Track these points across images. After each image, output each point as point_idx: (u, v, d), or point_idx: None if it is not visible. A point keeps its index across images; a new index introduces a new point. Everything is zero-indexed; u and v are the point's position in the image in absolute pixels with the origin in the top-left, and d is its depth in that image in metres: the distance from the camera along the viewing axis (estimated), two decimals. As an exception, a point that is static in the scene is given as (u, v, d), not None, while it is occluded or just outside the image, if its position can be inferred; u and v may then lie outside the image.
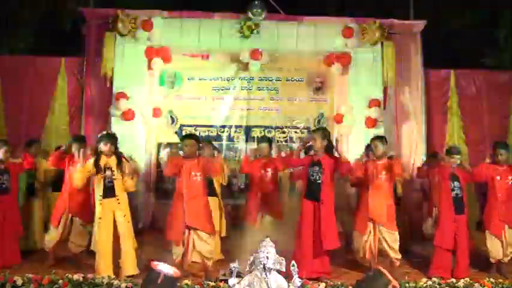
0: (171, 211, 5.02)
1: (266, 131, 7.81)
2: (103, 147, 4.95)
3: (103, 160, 4.94)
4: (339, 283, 4.65)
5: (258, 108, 7.84)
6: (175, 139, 7.46)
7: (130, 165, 5.16)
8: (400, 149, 7.48)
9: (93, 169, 4.89)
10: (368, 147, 5.52)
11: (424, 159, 7.26)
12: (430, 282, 4.69)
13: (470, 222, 6.40)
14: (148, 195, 7.40)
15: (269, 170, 5.84)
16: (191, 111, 7.76)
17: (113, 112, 7.20)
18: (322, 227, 4.96)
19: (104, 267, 4.83)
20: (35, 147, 6.14)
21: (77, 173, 4.95)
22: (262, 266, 3.09)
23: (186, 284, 4.47)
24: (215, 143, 6.87)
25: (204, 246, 4.88)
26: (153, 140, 7.59)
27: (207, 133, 7.69)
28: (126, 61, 7.36)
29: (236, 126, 7.80)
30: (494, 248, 5.32)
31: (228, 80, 7.78)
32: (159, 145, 7.51)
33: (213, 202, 5.43)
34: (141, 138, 7.44)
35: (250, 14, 7.32)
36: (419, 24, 7.77)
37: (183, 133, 7.33)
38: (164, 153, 6.89)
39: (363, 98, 7.47)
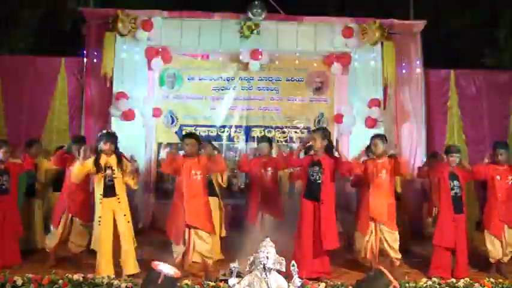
0: (171, 210, 5.03)
1: (266, 131, 7.81)
2: (103, 146, 4.95)
3: (103, 159, 4.94)
4: (339, 283, 4.65)
5: (258, 108, 7.84)
6: (175, 139, 7.46)
7: (132, 165, 5.17)
8: (400, 149, 7.48)
9: (93, 168, 4.89)
10: (368, 147, 5.51)
11: (424, 159, 7.27)
12: (430, 282, 4.69)
13: (470, 222, 6.41)
14: (148, 195, 7.41)
15: (269, 169, 5.85)
16: (191, 111, 7.77)
17: (113, 112, 7.20)
18: (322, 227, 4.96)
19: (104, 267, 4.84)
20: (35, 147, 6.14)
21: (76, 168, 4.93)
22: (262, 266, 3.10)
23: (186, 284, 4.47)
24: (215, 143, 6.87)
25: (204, 246, 4.89)
26: (153, 140, 7.60)
27: (207, 133, 7.69)
28: (126, 61, 7.36)
29: (236, 126, 7.80)
30: (494, 248, 5.33)
31: (228, 80, 7.79)
32: (159, 145, 7.50)
33: (213, 202, 5.44)
34: (141, 138, 7.45)
35: (250, 14, 7.32)
36: (419, 24, 7.77)
37: (183, 133, 7.32)
38: (164, 153, 6.88)
39: (363, 98, 7.47)
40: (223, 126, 7.79)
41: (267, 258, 3.10)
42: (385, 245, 5.09)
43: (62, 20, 9.17)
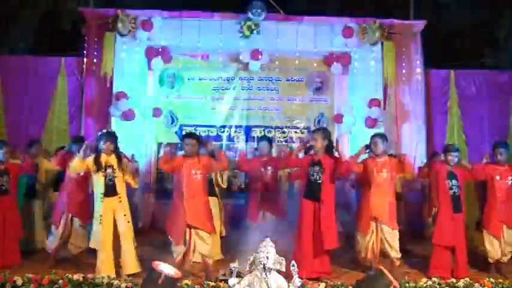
0: (171, 210, 5.03)
1: (266, 131, 7.82)
2: (103, 145, 4.95)
3: (103, 158, 4.94)
4: (339, 283, 4.65)
5: (258, 108, 7.85)
6: (175, 139, 7.46)
7: (134, 165, 5.18)
8: (400, 149, 7.48)
9: (93, 166, 4.89)
10: (368, 145, 5.48)
11: (425, 159, 7.27)
12: (430, 282, 4.69)
13: (470, 222, 6.41)
14: (148, 195, 7.41)
15: (269, 168, 5.85)
16: (191, 111, 7.77)
17: (113, 112, 7.20)
18: (322, 227, 4.96)
19: (105, 266, 4.84)
20: (35, 147, 6.14)
21: (75, 163, 4.90)
22: (262, 266, 3.10)
23: (186, 284, 4.47)
24: (215, 143, 6.87)
25: (204, 246, 4.89)
26: (153, 140, 7.60)
27: (207, 133, 7.69)
28: (126, 61, 7.37)
29: (236, 126, 7.81)
30: (493, 248, 5.33)
31: (228, 80, 7.79)
32: (159, 145, 7.50)
33: (213, 202, 5.44)
34: (141, 138, 7.45)
35: (250, 14, 7.32)
36: (419, 24, 7.77)
37: (183, 133, 7.32)
38: (163, 150, 6.88)
39: (363, 98, 7.47)
40: (223, 126, 7.79)
41: (267, 258, 3.10)
42: (386, 245, 5.09)
43: (62, 20, 9.16)
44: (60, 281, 4.50)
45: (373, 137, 5.34)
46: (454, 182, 5.18)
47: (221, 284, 4.51)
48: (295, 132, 7.85)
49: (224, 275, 4.74)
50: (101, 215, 4.87)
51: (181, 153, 5.18)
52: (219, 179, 5.84)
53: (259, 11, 7.29)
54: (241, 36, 7.44)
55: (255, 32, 7.43)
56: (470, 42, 8.97)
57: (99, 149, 4.96)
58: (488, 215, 5.40)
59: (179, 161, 4.98)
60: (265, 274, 3.10)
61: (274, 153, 6.24)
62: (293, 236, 5.11)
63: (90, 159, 4.90)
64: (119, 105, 7.15)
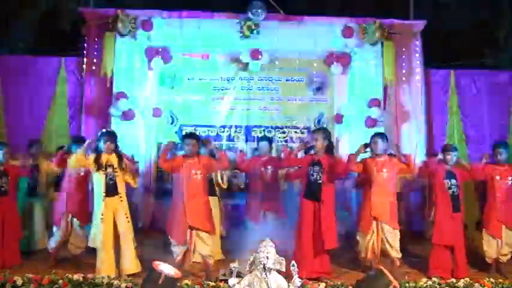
0: (172, 210, 5.03)
1: (266, 131, 7.81)
2: (103, 145, 4.96)
3: (104, 158, 4.95)
4: (339, 283, 4.65)
5: (258, 108, 7.85)
6: (175, 139, 7.45)
7: (135, 165, 5.19)
8: (400, 149, 7.46)
9: (93, 165, 4.89)
10: (368, 145, 5.47)
11: (425, 159, 7.26)
12: (430, 282, 4.69)
13: (470, 222, 6.42)
14: (148, 195, 7.40)
15: (269, 167, 5.86)
16: (191, 111, 7.77)
17: (113, 112, 7.20)
18: (322, 227, 4.96)
19: (105, 266, 4.84)
20: (36, 147, 6.14)
21: (75, 157, 4.89)
22: (262, 266, 3.10)
23: (186, 284, 4.47)
24: (215, 143, 6.86)
25: (204, 246, 4.90)
26: (153, 140, 7.60)
27: (207, 133, 7.69)
28: (126, 61, 7.35)
29: (236, 126, 7.81)
30: (491, 248, 5.33)
31: (228, 80, 7.79)
32: (159, 145, 7.50)
33: (213, 202, 5.44)
34: (141, 138, 7.45)
35: (250, 14, 7.31)
36: (419, 24, 7.77)
37: (183, 133, 7.32)
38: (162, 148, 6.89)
39: (363, 98, 7.46)
40: (223, 126, 7.79)
41: (267, 258, 3.11)
42: (386, 245, 5.08)
43: (62, 20, 9.16)
44: (60, 281, 4.51)
45: (373, 136, 5.33)
46: (452, 181, 5.18)
47: (221, 284, 4.51)
48: (295, 132, 7.85)
49: (224, 275, 4.74)
50: (102, 214, 4.87)
51: (181, 153, 5.18)
52: (219, 179, 5.84)
53: (259, 11, 7.28)
54: (241, 36, 7.43)
55: (255, 32, 7.41)
56: (470, 42, 8.98)
57: (99, 148, 4.96)
58: (488, 215, 5.40)
59: (179, 161, 4.99)
60: (265, 274, 3.10)
61: (274, 153, 6.24)
62: (293, 236, 5.12)
63: (91, 158, 4.90)
64: (119, 105, 7.15)
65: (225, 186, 5.96)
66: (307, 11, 7.81)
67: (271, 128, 7.83)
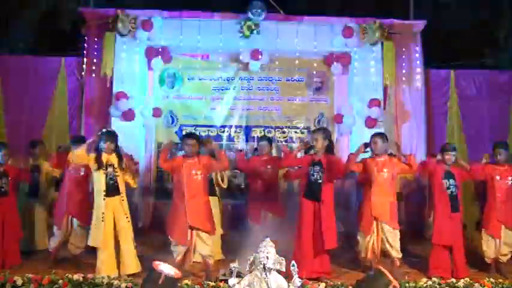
0: (172, 210, 5.03)
1: (266, 131, 7.81)
2: (103, 144, 4.96)
3: (104, 157, 4.95)
4: (339, 283, 4.66)
5: (258, 108, 7.85)
6: (175, 139, 7.46)
7: (135, 166, 5.19)
8: (400, 149, 7.47)
9: (94, 164, 4.89)
10: (368, 144, 5.47)
11: (425, 159, 7.26)
12: (430, 282, 4.70)
13: (470, 222, 6.42)
14: (148, 195, 7.40)
15: (269, 167, 5.87)
16: (191, 111, 7.77)
17: (113, 112, 7.20)
18: (322, 227, 4.96)
19: (106, 266, 4.85)
20: (39, 148, 6.15)
21: (78, 152, 4.88)
22: (262, 266, 3.10)
23: (186, 284, 4.47)
24: (215, 143, 6.86)
25: (204, 246, 4.90)
26: (153, 140, 7.60)
27: (207, 133, 7.69)
28: (126, 61, 7.35)
29: (236, 126, 7.81)
30: (490, 248, 5.34)
31: (228, 80, 7.79)
32: (159, 145, 7.50)
33: (213, 202, 5.44)
34: (141, 138, 7.45)
35: (250, 14, 7.31)
36: (419, 24, 7.77)
37: (183, 133, 7.33)
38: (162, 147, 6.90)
39: (363, 98, 7.46)
40: (223, 126, 7.79)
41: (267, 258, 3.11)
42: (387, 244, 5.08)
43: (62, 20, 9.16)
44: (60, 281, 4.51)
45: (373, 136, 5.33)
46: (451, 181, 5.17)
47: (221, 284, 4.51)
48: (295, 132, 7.85)
49: (224, 275, 4.74)
50: (103, 213, 4.87)
51: (181, 153, 5.18)
52: (219, 179, 5.84)
53: (259, 11, 7.28)
54: (241, 36, 7.43)
55: (255, 32, 7.42)
56: (470, 42, 8.98)
57: (99, 148, 4.96)
58: (488, 215, 5.40)
59: (179, 161, 4.99)
60: (265, 274, 3.10)
61: (274, 153, 6.24)
62: (293, 236, 5.12)
63: (92, 156, 4.90)
64: (119, 105, 7.15)
65: (225, 186, 5.96)
66: (307, 11, 7.81)
67: (271, 128, 7.83)
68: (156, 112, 7.52)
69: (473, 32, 9.04)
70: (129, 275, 4.84)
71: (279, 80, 7.86)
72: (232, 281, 3.16)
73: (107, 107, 7.29)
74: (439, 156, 5.35)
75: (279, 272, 3.17)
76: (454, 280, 4.76)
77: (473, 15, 9.19)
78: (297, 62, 7.81)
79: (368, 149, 5.33)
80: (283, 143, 7.69)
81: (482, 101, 7.97)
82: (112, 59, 7.28)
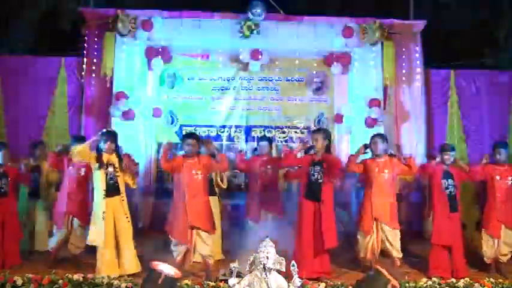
0: (173, 210, 5.03)
1: (266, 131, 7.82)
2: (104, 144, 4.96)
3: (105, 157, 4.95)
4: (339, 283, 4.66)
5: (258, 108, 7.85)
6: (175, 139, 7.46)
7: (135, 167, 5.19)
8: (401, 149, 7.47)
9: (95, 163, 4.89)
10: (367, 146, 5.48)
11: (425, 159, 7.26)
12: (430, 282, 4.70)
13: (470, 222, 6.42)
14: (148, 195, 7.40)
15: (269, 167, 5.87)
16: (191, 111, 7.77)
17: (113, 112, 7.20)
18: (323, 227, 4.96)
19: (106, 266, 4.85)
20: (39, 148, 6.16)
21: (80, 148, 4.88)
22: (262, 266, 3.10)
23: (186, 284, 4.48)
24: (215, 143, 6.86)
25: (204, 246, 4.91)
26: (153, 140, 7.60)
27: (207, 133, 7.69)
28: (126, 61, 7.36)
29: (236, 126, 7.81)
30: (490, 248, 5.33)
31: (228, 80, 7.79)
32: (159, 145, 7.50)
33: (213, 201, 5.45)
34: (141, 138, 7.45)
35: (250, 14, 7.31)
36: (419, 24, 7.77)
37: (183, 133, 7.33)
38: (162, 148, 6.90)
39: (363, 98, 7.46)
40: (223, 126, 7.79)
41: (267, 258, 3.11)
42: (387, 244, 5.09)
43: (62, 20, 9.16)
44: (60, 281, 4.52)
45: (373, 137, 5.34)
46: (450, 181, 5.18)
47: (221, 284, 4.51)
48: (295, 132, 7.85)
49: (224, 275, 4.74)
50: (103, 212, 4.87)
51: (181, 153, 5.18)
52: (219, 180, 5.84)
53: (259, 11, 7.27)
54: (241, 36, 7.43)
55: (255, 32, 7.41)
56: (470, 42, 8.98)
57: (100, 148, 4.96)
58: (488, 215, 5.40)
59: (179, 161, 4.99)
60: (265, 274, 3.10)
61: (274, 153, 6.24)
62: (293, 236, 5.12)
63: (93, 155, 4.90)
64: (119, 105, 7.15)
65: (224, 186, 5.96)
66: (307, 11, 7.81)
67: (271, 128, 7.84)
68: (156, 112, 7.52)
69: (473, 32, 9.04)
70: (129, 275, 4.84)
71: (279, 80, 7.86)
72: (232, 281, 3.16)
73: (107, 107, 7.29)
74: (438, 159, 5.34)
75: (279, 272, 3.17)
76: (454, 280, 4.76)
77: (473, 15, 9.19)
78: (297, 62, 7.81)
79: (368, 150, 5.33)
80: (283, 143, 7.70)
81: (482, 101, 7.97)
82: (112, 59, 7.28)
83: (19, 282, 4.53)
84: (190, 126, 7.70)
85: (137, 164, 5.49)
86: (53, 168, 5.81)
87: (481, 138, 7.85)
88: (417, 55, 7.76)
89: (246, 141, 7.79)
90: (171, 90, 7.73)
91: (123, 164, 5.06)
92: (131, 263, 4.97)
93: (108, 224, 4.89)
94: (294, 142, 7.69)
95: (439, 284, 4.69)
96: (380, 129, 7.25)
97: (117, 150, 5.10)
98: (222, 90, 7.79)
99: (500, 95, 7.98)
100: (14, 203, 5.49)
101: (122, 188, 5.03)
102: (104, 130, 5.18)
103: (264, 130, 7.82)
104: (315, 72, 7.85)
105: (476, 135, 7.89)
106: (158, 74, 7.66)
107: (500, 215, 5.31)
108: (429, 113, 7.90)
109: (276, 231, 4.95)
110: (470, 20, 9.18)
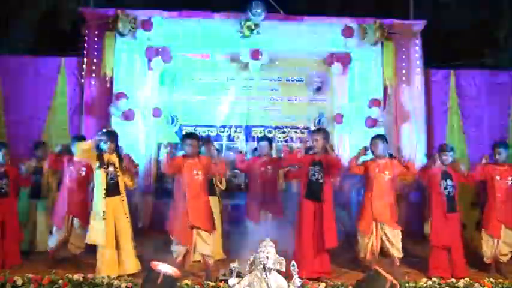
0: (173, 210, 5.03)
1: (266, 131, 7.82)
2: (103, 145, 4.96)
3: (106, 156, 4.96)
4: (339, 283, 4.66)
5: (258, 108, 7.85)
6: (175, 139, 7.46)
7: (135, 168, 5.19)
8: (401, 149, 7.46)
9: (96, 162, 4.89)
10: (367, 148, 5.48)
11: (425, 159, 7.26)
12: (430, 282, 4.70)
13: (470, 222, 6.41)
14: (148, 195, 7.40)
15: (269, 168, 5.87)
16: (191, 111, 7.77)
17: (113, 112, 7.20)
18: (324, 226, 4.97)
19: (106, 266, 4.86)
20: (41, 149, 6.16)
21: (84, 144, 4.89)
22: (262, 266, 3.10)
23: (186, 284, 4.48)
24: (215, 143, 6.87)
25: (205, 245, 4.91)
26: (153, 140, 7.60)
27: (207, 133, 7.69)
28: (126, 61, 7.36)
29: (236, 126, 7.81)
30: (489, 248, 5.33)
31: (228, 80, 7.79)
32: (159, 145, 7.50)
33: (214, 201, 5.45)
34: (141, 138, 7.45)
35: (250, 14, 7.31)
36: (419, 24, 7.76)
37: (183, 133, 7.33)
38: (163, 154, 6.89)
39: (363, 98, 7.46)
40: (223, 126, 7.79)
41: (267, 258, 3.11)
42: (388, 244, 5.09)
43: (62, 20, 9.16)
44: (60, 281, 4.52)
45: (373, 138, 5.36)
46: (448, 182, 5.18)
47: (221, 284, 4.52)
48: (295, 132, 7.85)
49: (224, 275, 4.74)
50: (103, 211, 4.87)
51: (181, 153, 5.18)
52: (218, 181, 5.85)
53: (259, 11, 7.27)
54: (241, 36, 7.42)
55: (255, 32, 7.41)
56: (470, 42, 8.97)
57: (100, 148, 4.96)
58: (488, 215, 5.40)
59: (179, 161, 4.99)
60: (265, 274, 3.10)
61: (274, 154, 6.24)
62: (293, 236, 5.12)
63: (94, 154, 4.90)
64: (119, 105, 7.15)
65: (223, 188, 5.98)
66: (307, 11, 7.81)
67: (271, 128, 7.84)
68: (156, 112, 7.52)
69: (473, 32, 9.03)
70: (128, 275, 4.84)
71: (279, 80, 7.86)
72: (232, 281, 3.16)
73: (107, 107, 7.28)
74: (437, 159, 5.33)
75: (279, 272, 3.17)
76: (454, 280, 4.76)
77: (473, 15, 9.19)
78: (297, 62, 7.80)
79: (368, 152, 5.34)
80: (283, 143, 7.70)
81: (482, 101, 7.97)
82: (112, 59, 7.27)
83: (19, 282, 4.53)
84: (190, 126, 7.70)
85: (137, 165, 5.49)
86: (52, 168, 5.82)
87: (481, 138, 7.84)
88: (417, 55, 7.76)
89: (246, 141, 7.79)
90: (171, 90, 7.73)
91: (123, 164, 5.07)
92: (131, 263, 4.97)
93: (108, 223, 4.89)
94: (294, 142, 7.69)
95: (439, 284, 4.69)
96: (380, 129, 7.25)
97: (117, 150, 5.11)
98: (222, 90, 7.78)
99: (500, 95, 7.98)
100: (14, 203, 5.49)
101: (122, 188, 5.03)
102: (104, 130, 5.19)
103: (264, 130, 7.82)
104: (315, 72, 7.85)
105: (476, 135, 7.89)
106: (158, 74, 7.65)
107: (500, 215, 5.31)
108: (429, 113, 7.90)
109: (275, 231, 4.96)
110: (470, 20, 9.17)
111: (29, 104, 7.53)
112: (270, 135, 7.64)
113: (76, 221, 5.36)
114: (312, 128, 7.54)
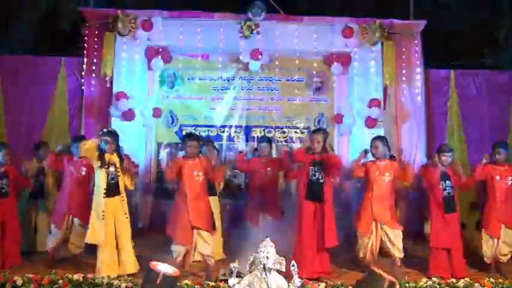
0: (174, 211, 5.03)
1: (266, 131, 7.81)
2: (104, 145, 4.96)
3: (106, 156, 4.96)
4: (339, 283, 4.66)
5: (258, 108, 7.84)
6: (175, 139, 7.47)
7: (136, 168, 5.20)
8: (401, 149, 7.46)
9: (97, 161, 4.89)
10: (367, 150, 5.48)
11: (425, 159, 7.26)
12: (430, 282, 4.70)
13: (470, 223, 6.41)
14: (148, 195, 7.40)
15: (269, 169, 5.87)
16: (191, 111, 7.77)
17: (113, 112, 7.20)
18: (324, 226, 4.97)
19: (106, 266, 4.85)
20: (43, 149, 6.16)
21: (89, 142, 4.89)
22: (262, 266, 3.10)
23: (186, 284, 4.47)
24: (215, 143, 6.86)
25: (205, 246, 4.91)
26: (153, 140, 7.60)
27: (207, 133, 7.69)
28: (126, 61, 7.36)
29: (236, 126, 7.81)
30: (489, 248, 5.33)
31: (228, 80, 7.79)
32: (159, 145, 7.50)
33: (213, 202, 5.45)
34: (141, 138, 7.45)
35: (250, 14, 7.31)
36: (419, 24, 7.76)
37: (183, 133, 7.33)
38: (164, 154, 6.89)
39: (363, 98, 7.46)
40: (223, 126, 7.79)
41: (267, 258, 3.11)
42: (388, 244, 5.09)
43: (62, 20, 9.17)
44: (60, 281, 4.52)
45: (373, 140, 5.36)
46: (447, 182, 5.18)
47: (221, 284, 4.52)
48: (295, 132, 7.84)
49: (224, 275, 4.74)
50: (103, 211, 4.87)
51: (181, 153, 5.18)
52: (216, 184, 5.85)
53: (259, 11, 7.28)
54: (241, 36, 7.43)
55: (255, 32, 7.41)
56: (470, 42, 8.98)
57: (101, 148, 4.96)
58: (488, 215, 5.40)
59: (180, 162, 4.99)
60: (265, 274, 3.10)
61: (274, 154, 6.25)
62: (293, 236, 5.12)
63: (96, 153, 4.90)
64: (119, 105, 7.15)
65: (220, 188, 6.00)
66: (307, 11, 7.82)
67: (271, 128, 7.83)
68: (156, 112, 7.52)
69: (473, 32, 9.04)
70: (128, 275, 4.84)
71: (279, 80, 7.86)
72: (232, 281, 3.16)
73: (107, 107, 7.29)
74: (436, 160, 5.33)
75: (279, 272, 3.17)
76: (454, 280, 4.76)
77: (473, 15, 9.19)
78: (297, 62, 7.80)
79: (368, 154, 5.35)
80: (283, 143, 7.70)
81: (482, 101, 7.96)
82: (112, 59, 7.28)
83: (19, 282, 4.53)
84: (190, 126, 7.70)
85: (137, 165, 5.49)
86: (52, 168, 5.82)
87: (481, 138, 7.84)
88: (417, 55, 7.75)
89: (246, 141, 7.78)
90: (171, 90, 7.72)
91: (124, 164, 5.06)
92: (130, 263, 4.97)
93: (108, 223, 4.89)
94: (294, 142, 7.69)
95: (439, 284, 4.69)
96: (380, 129, 7.25)
97: (118, 150, 5.10)
98: (222, 90, 7.78)
99: (500, 95, 7.98)
100: (14, 203, 5.48)
101: (122, 188, 5.04)
102: (105, 130, 5.18)
103: (264, 130, 7.82)
104: (315, 72, 7.84)
105: (476, 135, 7.89)
106: (158, 74, 7.66)
107: (500, 215, 5.31)
108: (429, 113, 7.89)
109: (275, 231, 4.95)
110: (470, 20, 9.18)
111: (29, 104, 7.53)
112: (270, 135, 7.64)
113: (76, 220, 5.36)
114: (312, 128, 7.54)
